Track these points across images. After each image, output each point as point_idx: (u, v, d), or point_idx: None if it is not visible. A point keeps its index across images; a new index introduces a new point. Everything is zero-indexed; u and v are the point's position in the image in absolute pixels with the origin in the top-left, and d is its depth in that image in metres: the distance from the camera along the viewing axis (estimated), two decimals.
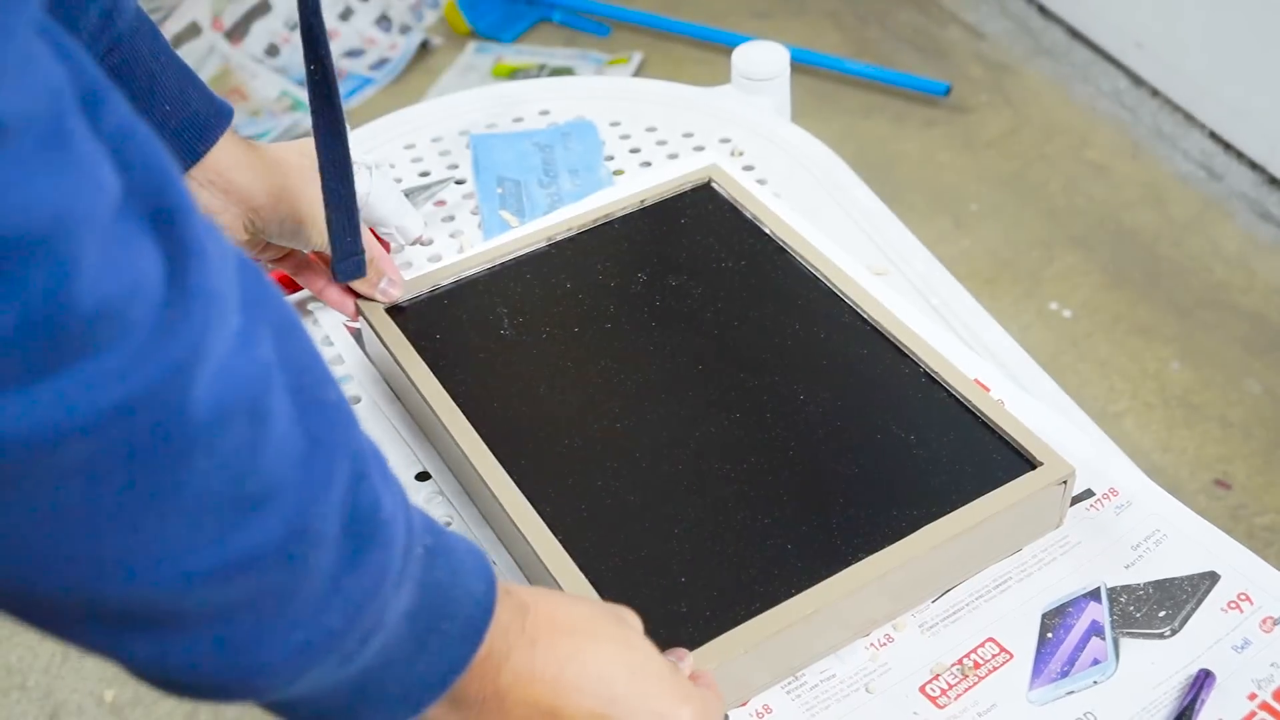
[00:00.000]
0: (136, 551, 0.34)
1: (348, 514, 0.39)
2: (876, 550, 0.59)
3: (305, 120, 2.02)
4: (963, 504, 0.61)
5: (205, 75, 2.06)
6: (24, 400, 0.30)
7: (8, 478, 0.31)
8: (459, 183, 0.89)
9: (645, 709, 0.47)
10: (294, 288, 0.78)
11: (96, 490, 0.32)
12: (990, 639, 0.60)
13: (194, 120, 0.67)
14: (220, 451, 0.34)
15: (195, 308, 0.33)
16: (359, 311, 0.73)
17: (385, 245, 0.79)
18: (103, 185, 0.31)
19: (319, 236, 0.71)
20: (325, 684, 0.41)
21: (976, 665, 0.59)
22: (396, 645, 0.42)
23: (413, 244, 0.80)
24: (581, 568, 0.58)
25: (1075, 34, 2.10)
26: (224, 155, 0.68)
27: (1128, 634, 0.60)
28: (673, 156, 0.91)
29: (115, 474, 0.32)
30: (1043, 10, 2.16)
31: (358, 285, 0.72)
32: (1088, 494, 0.66)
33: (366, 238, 0.71)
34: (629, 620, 0.50)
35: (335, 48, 2.16)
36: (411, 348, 0.70)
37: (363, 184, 0.74)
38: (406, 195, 0.86)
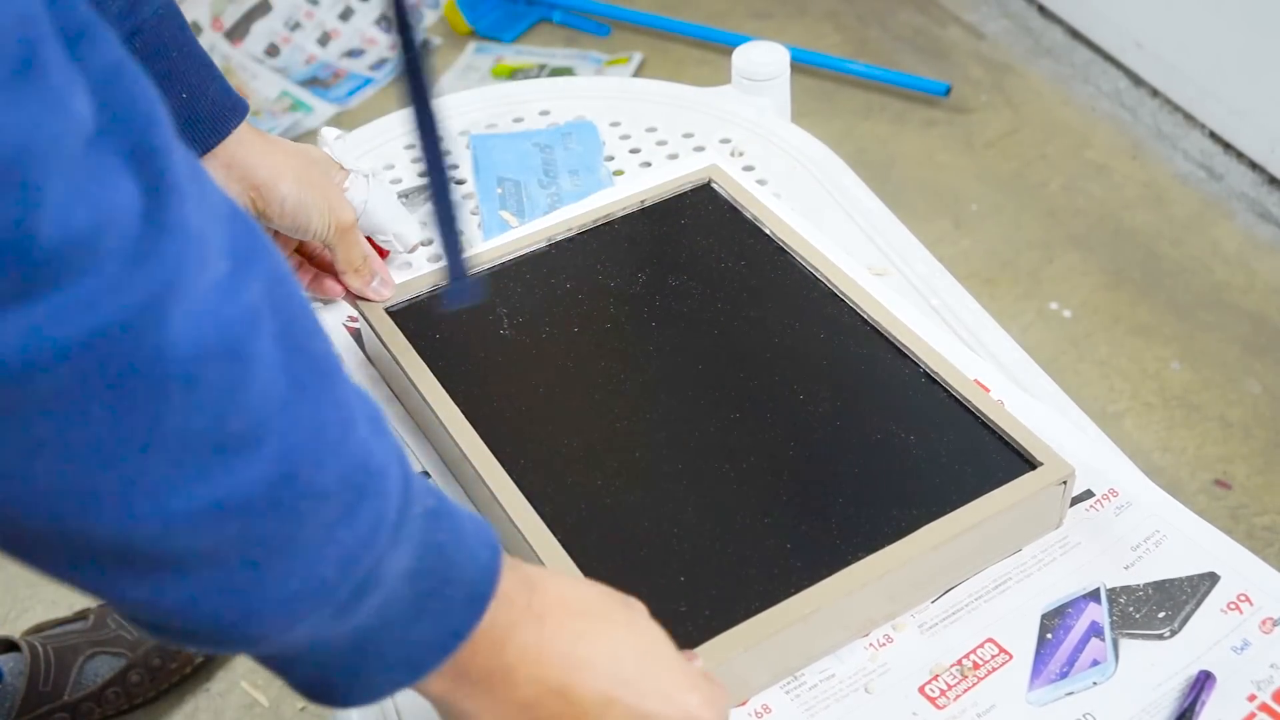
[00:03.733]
0: (119, 488, 0.34)
1: (337, 462, 0.38)
2: (876, 550, 0.59)
3: (305, 120, 2.02)
4: (962, 504, 0.61)
5: None
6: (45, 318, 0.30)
7: None
8: (459, 183, 0.89)
9: (656, 691, 0.47)
10: None
11: (74, 423, 0.32)
12: (990, 639, 0.60)
13: (211, 111, 0.68)
14: (200, 390, 0.34)
15: (170, 242, 0.33)
16: (358, 312, 0.73)
17: (383, 253, 0.79)
18: (74, 115, 0.31)
19: (319, 221, 0.72)
20: (322, 638, 0.40)
21: (976, 666, 0.59)
22: (396, 606, 0.41)
23: (411, 251, 0.81)
24: (580, 567, 0.58)
25: (1075, 34, 2.10)
26: (232, 139, 0.70)
27: (1127, 635, 0.60)
28: (673, 157, 0.91)
29: (92, 406, 0.32)
30: (1043, 10, 2.16)
31: (350, 281, 0.74)
32: (1087, 494, 0.66)
33: (360, 238, 0.74)
34: (636, 607, 0.50)
35: (335, 47, 2.16)
36: (411, 347, 0.70)
37: (359, 192, 0.76)
38: (405, 196, 0.86)
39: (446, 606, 0.42)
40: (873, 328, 0.71)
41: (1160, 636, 0.60)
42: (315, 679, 0.42)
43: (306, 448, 0.37)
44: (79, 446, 0.33)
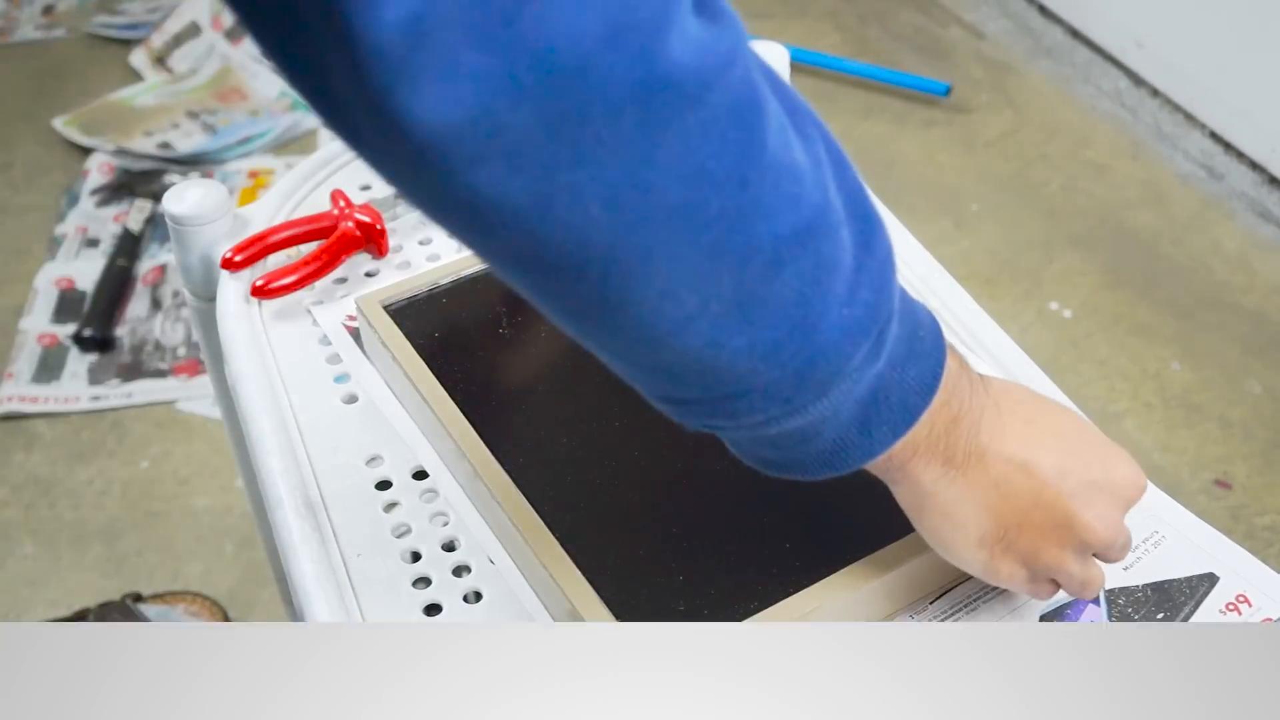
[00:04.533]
0: (737, 212, 0.39)
1: (848, 200, 0.43)
2: (874, 550, 0.59)
3: (305, 120, 2.02)
4: None
5: (205, 75, 2.06)
6: (700, 38, 0.36)
7: (677, 109, 0.36)
8: None
9: (1096, 460, 0.52)
10: (308, 280, 0.78)
11: (713, 143, 0.37)
12: None
13: None
14: (770, 123, 0.39)
15: (734, 23, 0.39)
16: (358, 310, 0.73)
17: (382, 250, 0.78)
18: None
19: None
20: (849, 391, 0.45)
21: None
22: (894, 343, 0.46)
23: None
24: (579, 566, 0.58)
25: (1075, 34, 2.10)
26: None
27: None
28: None
29: (729, 129, 0.38)
30: (1043, 10, 2.16)
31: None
32: None
33: None
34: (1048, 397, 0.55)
35: None
36: (410, 346, 0.70)
37: None
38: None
39: (925, 348, 0.47)
40: None
41: None
42: (834, 441, 0.47)
43: (829, 184, 0.42)
44: (712, 169, 0.38)
